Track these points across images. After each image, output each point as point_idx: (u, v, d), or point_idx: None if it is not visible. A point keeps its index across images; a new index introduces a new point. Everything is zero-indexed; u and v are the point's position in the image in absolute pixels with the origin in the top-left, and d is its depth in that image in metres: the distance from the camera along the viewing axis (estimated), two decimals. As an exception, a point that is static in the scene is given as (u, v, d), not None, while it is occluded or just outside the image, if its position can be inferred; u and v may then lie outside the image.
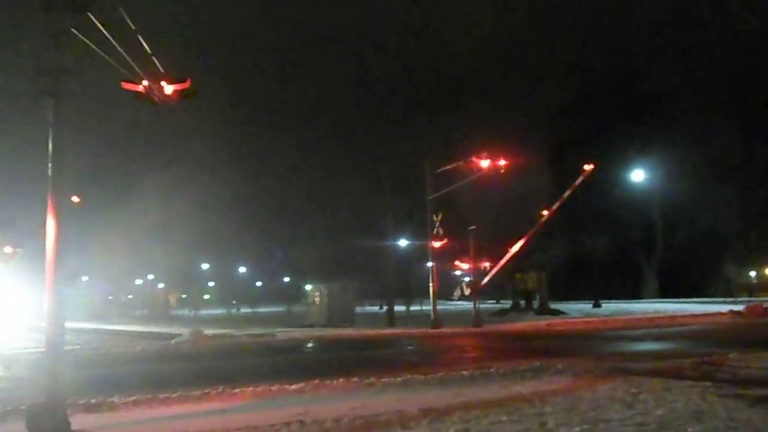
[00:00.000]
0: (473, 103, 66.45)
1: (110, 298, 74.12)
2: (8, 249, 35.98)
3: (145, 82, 10.78)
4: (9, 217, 31.92)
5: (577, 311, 45.50)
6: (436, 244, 34.92)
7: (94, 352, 23.10)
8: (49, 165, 9.97)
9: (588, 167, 40.10)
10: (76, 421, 9.55)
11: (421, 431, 8.79)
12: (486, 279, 39.99)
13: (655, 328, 29.45)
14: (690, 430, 8.30)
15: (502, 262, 40.32)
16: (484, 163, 32.34)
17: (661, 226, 68.48)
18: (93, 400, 11.39)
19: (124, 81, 10.84)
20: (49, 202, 9.90)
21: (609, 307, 48.95)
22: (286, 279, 78.71)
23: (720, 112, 61.04)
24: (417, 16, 72.59)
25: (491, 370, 14.15)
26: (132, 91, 10.93)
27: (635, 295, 68.38)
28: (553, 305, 47.30)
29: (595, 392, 11.15)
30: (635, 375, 13.08)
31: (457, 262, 38.95)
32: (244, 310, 70.88)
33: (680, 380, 12.20)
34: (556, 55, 67.83)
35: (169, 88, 10.87)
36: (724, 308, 38.96)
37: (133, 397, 11.71)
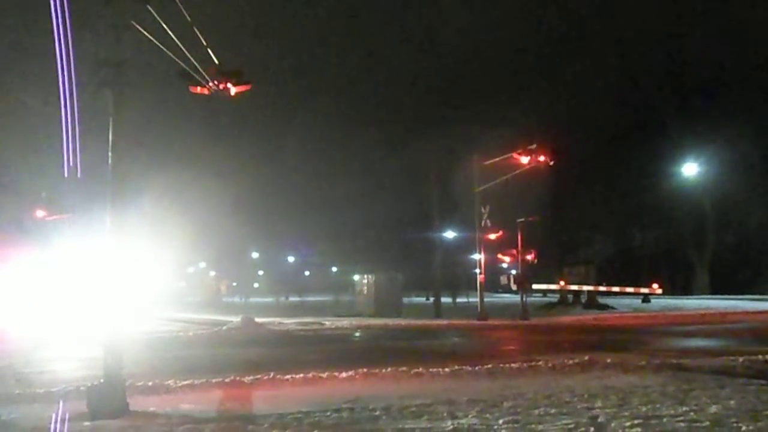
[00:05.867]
0: (524, 94, 65.72)
1: (164, 285, 75.39)
2: None
3: (211, 85, 11.03)
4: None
5: (626, 306, 44.86)
6: (485, 236, 34.82)
7: (148, 337, 23.57)
8: (109, 154, 10.22)
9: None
10: (134, 402, 9.83)
11: (471, 421, 8.81)
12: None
13: (706, 324, 28.95)
14: (745, 428, 8.16)
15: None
16: (533, 156, 32.02)
17: (713, 221, 66.85)
18: (150, 383, 11.70)
19: (192, 85, 11.10)
20: (109, 191, 10.16)
21: (658, 302, 48.07)
22: (334, 269, 79.29)
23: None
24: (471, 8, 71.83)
25: (540, 363, 14.11)
26: (189, 85, 11.18)
27: (685, 290, 67.11)
28: (602, 300, 46.72)
29: (647, 388, 11.04)
30: (687, 371, 12.93)
31: (500, 255, 38.60)
32: (293, 298, 71.50)
33: (734, 377, 12.03)
34: (608, 46, 66.56)
35: (233, 90, 11.15)
36: (778, 306, 38.12)
37: (188, 381, 12.00)
